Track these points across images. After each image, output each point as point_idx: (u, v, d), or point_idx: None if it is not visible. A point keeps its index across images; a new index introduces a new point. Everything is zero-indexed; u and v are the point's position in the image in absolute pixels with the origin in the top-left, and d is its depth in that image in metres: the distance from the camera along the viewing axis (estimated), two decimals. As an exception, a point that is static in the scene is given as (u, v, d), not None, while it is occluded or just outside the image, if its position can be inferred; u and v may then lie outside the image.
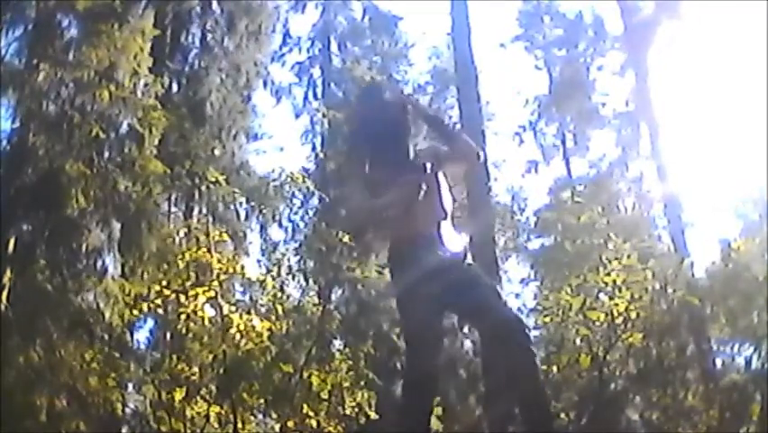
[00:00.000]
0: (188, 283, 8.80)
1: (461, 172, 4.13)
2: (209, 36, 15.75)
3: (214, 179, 10.96)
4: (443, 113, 22.07)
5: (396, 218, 3.74)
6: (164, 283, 8.87)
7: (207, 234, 9.59)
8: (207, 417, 8.75)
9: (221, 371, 8.57)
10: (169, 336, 10.26)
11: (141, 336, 11.94)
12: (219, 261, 9.09)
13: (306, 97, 21.72)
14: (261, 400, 8.87)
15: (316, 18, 22.31)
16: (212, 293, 8.75)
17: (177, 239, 10.40)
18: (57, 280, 9.49)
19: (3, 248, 9.42)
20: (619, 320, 8.85)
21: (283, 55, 21.86)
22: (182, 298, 8.73)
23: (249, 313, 8.96)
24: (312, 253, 12.08)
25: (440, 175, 3.88)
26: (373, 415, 9.32)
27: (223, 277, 9.04)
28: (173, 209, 13.58)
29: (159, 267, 9.55)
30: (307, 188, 11.54)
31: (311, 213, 18.92)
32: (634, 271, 8.96)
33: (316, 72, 22.09)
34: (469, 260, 3.80)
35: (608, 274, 8.87)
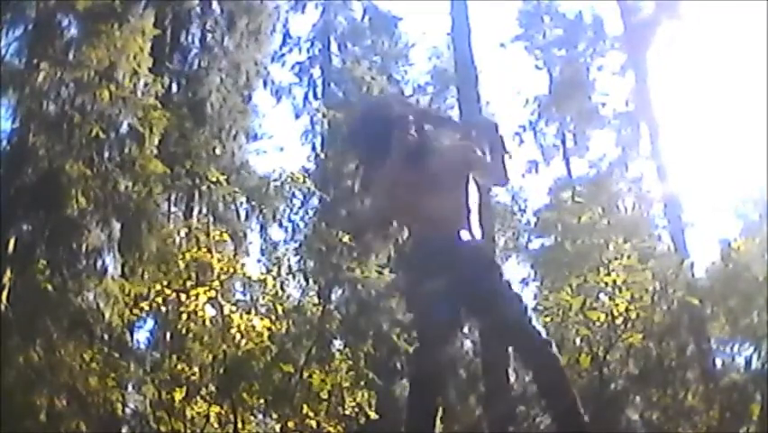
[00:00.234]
0: (189, 283, 8.79)
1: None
2: (209, 36, 15.75)
3: (214, 179, 10.96)
4: (444, 113, 22.09)
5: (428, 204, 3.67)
6: (164, 283, 8.87)
7: (208, 234, 9.59)
8: (207, 417, 8.75)
9: (221, 371, 8.57)
10: (169, 336, 10.26)
11: (141, 336, 11.95)
12: (219, 261, 9.09)
13: (306, 97, 21.73)
14: (261, 400, 8.87)
15: (316, 18, 22.33)
16: (212, 293, 8.75)
17: (177, 239, 10.40)
18: (57, 280, 9.48)
19: (3, 248, 9.42)
20: (619, 320, 8.85)
21: (283, 55, 21.87)
22: (182, 297, 8.73)
23: (249, 313, 8.96)
24: (312, 253, 12.09)
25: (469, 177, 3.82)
26: (373, 415, 9.31)
27: (223, 277, 9.04)
28: (173, 209, 13.57)
29: (159, 267, 9.55)
30: (308, 188, 11.54)
31: (311, 213, 18.94)
32: (634, 271, 8.96)
33: (316, 72, 22.10)
34: (495, 260, 3.76)
35: (608, 274, 8.87)
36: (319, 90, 21.92)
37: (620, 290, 8.83)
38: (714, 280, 11.09)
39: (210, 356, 8.74)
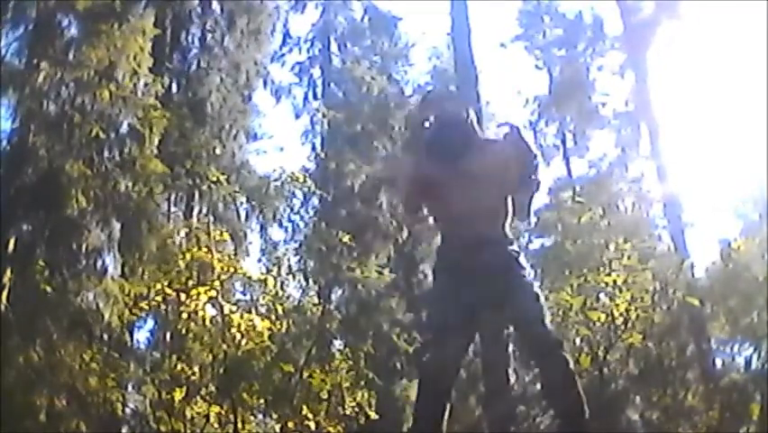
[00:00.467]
0: (189, 283, 8.79)
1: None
2: (209, 36, 15.75)
3: (214, 179, 10.96)
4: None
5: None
6: (165, 283, 8.87)
7: (208, 234, 9.59)
8: (207, 417, 8.75)
9: (221, 371, 8.57)
10: (169, 336, 10.25)
11: (141, 336, 11.95)
12: (219, 261, 9.09)
13: (306, 97, 21.73)
14: (261, 400, 8.87)
15: (316, 18, 22.33)
16: (213, 293, 8.75)
17: (177, 239, 10.39)
18: (57, 280, 9.48)
19: (3, 248, 9.41)
20: (619, 320, 8.85)
21: (283, 55, 21.87)
22: (183, 297, 8.73)
23: (249, 313, 8.96)
24: (312, 253, 12.08)
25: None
26: (373, 415, 9.31)
27: (223, 277, 9.04)
28: (173, 209, 13.57)
29: (159, 267, 9.55)
30: (308, 188, 11.53)
31: (311, 213, 18.94)
32: (634, 271, 8.96)
33: (316, 72, 22.10)
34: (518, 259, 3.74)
35: (609, 275, 8.87)
36: (319, 90, 21.93)
37: (620, 291, 8.83)
38: (714, 281, 11.10)
39: (210, 356, 8.73)
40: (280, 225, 17.67)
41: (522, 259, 3.71)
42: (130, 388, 9.83)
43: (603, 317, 8.70)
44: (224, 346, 8.56)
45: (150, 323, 11.46)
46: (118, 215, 10.29)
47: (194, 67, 15.42)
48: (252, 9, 16.38)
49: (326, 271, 10.78)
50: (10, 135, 10.20)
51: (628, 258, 9.00)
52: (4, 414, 8.17)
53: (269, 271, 9.94)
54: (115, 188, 10.24)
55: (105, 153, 10.45)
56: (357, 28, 22.37)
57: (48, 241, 9.82)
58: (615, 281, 8.83)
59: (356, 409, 9.21)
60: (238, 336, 8.67)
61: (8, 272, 9.31)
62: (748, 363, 10.60)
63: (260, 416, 9.67)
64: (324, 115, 20.33)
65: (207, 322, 8.80)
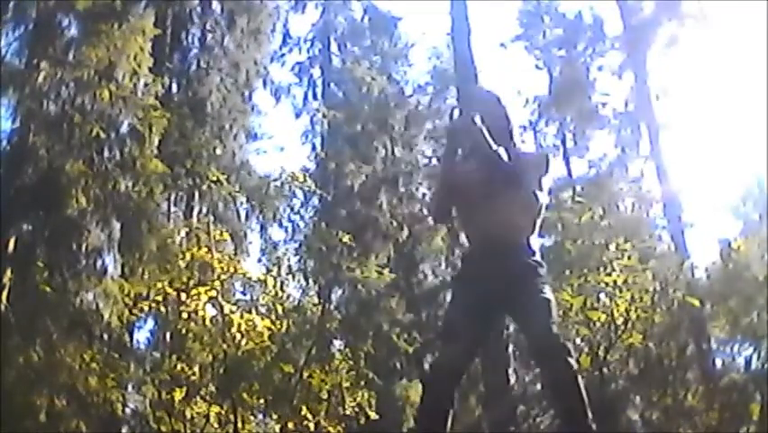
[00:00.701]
0: (189, 283, 8.79)
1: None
2: (209, 36, 15.75)
3: (214, 179, 10.95)
4: (444, 113, 22.08)
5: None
6: (165, 283, 8.87)
7: (208, 234, 9.59)
8: (207, 417, 8.75)
9: (221, 371, 8.56)
10: (169, 336, 10.25)
11: (141, 336, 11.96)
12: (219, 261, 9.09)
13: (305, 97, 21.74)
14: (261, 400, 8.87)
15: (316, 18, 22.34)
16: (213, 293, 8.75)
17: (177, 239, 10.39)
18: (57, 280, 9.48)
19: (3, 248, 9.41)
20: (620, 320, 8.84)
21: (283, 55, 21.88)
22: (183, 297, 8.73)
23: (249, 313, 8.96)
24: (312, 253, 12.06)
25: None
26: (373, 415, 9.31)
27: (223, 277, 9.03)
28: (173, 209, 13.57)
29: (159, 267, 9.55)
30: (308, 187, 11.52)
31: (311, 213, 18.95)
32: (634, 271, 8.95)
33: (316, 72, 22.10)
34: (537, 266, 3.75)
35: (609, 275, 8.86)
36: (319, 90, 21.93)
37: (620, 291, 8.83)
38: (714, 281, 11.10)
39: (210, 356, 8.73)
40: (280, 225, 17.70)
41: (542, 271, 3.71)
42: (130, 388, 9.83)
43: (603, 317, 8.70)
44: (224, 346, 8.56)
45: (150, 323, 11.48)
46: (118, 215, 10.29)
47: (194, 67, 15.43)
48: (252, 9, 16.38)
49: (326, 271, 10.76)
50: (10, 135, 10.20)
51: (628, 258, 9.00)
52: (4, 414, 8.17)
53: (269, 271, 9.93)
54: (115, 188, 10.23)
55: (105, 153, 10.44)
56: (357, 28, 22.37)
57: (48, 241, 9.82)
58: (615, 281, 8.83)
59: (356, 409, 9.21)
60: (238, 336, 8.66)
61: (8, 272, 9.31)
62: (748, 363, 10.60)
63: (260, 416, 9.67)
64: (324, 115, 20.33)
65: (207, 322, 8.80)
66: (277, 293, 9.37)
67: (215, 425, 8.81)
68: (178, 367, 8.63)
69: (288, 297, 9.85)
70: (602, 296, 9.05)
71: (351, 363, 9.39)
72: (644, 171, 18.73)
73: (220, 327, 8.73)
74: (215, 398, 8.73)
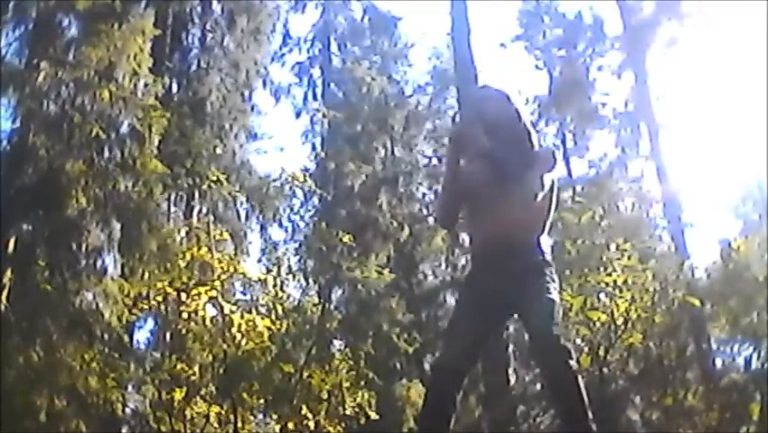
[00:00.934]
0: (190, 283, 8.79)
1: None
2: (209, 36, 15.76)
3: (215, 179, 10.95)
4: (444, 113, 22.09)
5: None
6: (165, 283, 8.86)
7: (208, 234, 9.59)
8: (207, 417, 8.75)
9: (221, 371, 8.56)
10: (169, 336, 10.25)
11: (141, 336, 11.96)
12: (219, 260, 9.09)
13: (305, 97, 21.75)
14: (261, 400, 8.87)
15: (316, 18, 22.35)
16: (213, 293, 8.75)
17: (177, 239, 10.39)
18: (57, 280, 9.48)
19: (3, 248, 9.41)
20: (620, 321, 8.84)
21: (283, 55, 21.89)
22: (183, 297, 8.73)
23: (249, 313, 8.96)
24: (312, 253, 12.07)
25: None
26: (373, 415, 9.31)
27: (223, 277, 9.03)
28: (173, 209, 13.57)
29: (159, 267, 9.54)
30: (308, 187, 11.53)
31: (311, 213, 18.96)
32: (634, 271, 8.95)
33: (316, 72, 22.11)
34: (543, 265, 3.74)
35: (609, 275, 8.86)
36: (319, 90, 21.94)
37: (620, 291, 8.82)
38: (714, 281, 11.09)
39: (210, 356, 8.73)
40: (280, 225, 17.71)
41: (550, 270, 3.68)
42: (130, 388, 9.83)
43: (603, 317, 8.70)
44: (224, 346, 8.56)
45: (150, 323, 11.48)
46: (118, 215, 10.28)
47: (194, 67, 15.43)
48: (252, 9, 16.39)
49: (326, 271, 10.77)
50: (10, 135, 10.20)
51: (628, 258, 9.00)
52: (4, 414, 8.17)
53: (269, 271, 9.94)
54: (115, 188, 10.23)
55: (105, 153, 10.44)
56: (357, 28, 22.38)
57: (48, 241, 9.81)
58: (615, 281, 8.83)
59: (356, 409, 9.20)
60: (238, 336, 8.66)
61: (8, 272, 9.31)
62: (748, 363, 10.60)
63: (260, 416, 9.68)
64: (324, 115, 20.34)
65: (207, 322, 8.80)
66: (277, 293, 9.37)
67: (215, 425, 8.80)
68: (178, 367, 8.63)
69: (288, 297, 9.85)
70: (602, 296, 9.05)
71: (351, 363, 9.39)
72: (644, 171, 18.75)
73: (220, 327, 8.73)
74: (215, 398, 8.73)
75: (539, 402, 12.39)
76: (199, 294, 8.71)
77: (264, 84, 18.52)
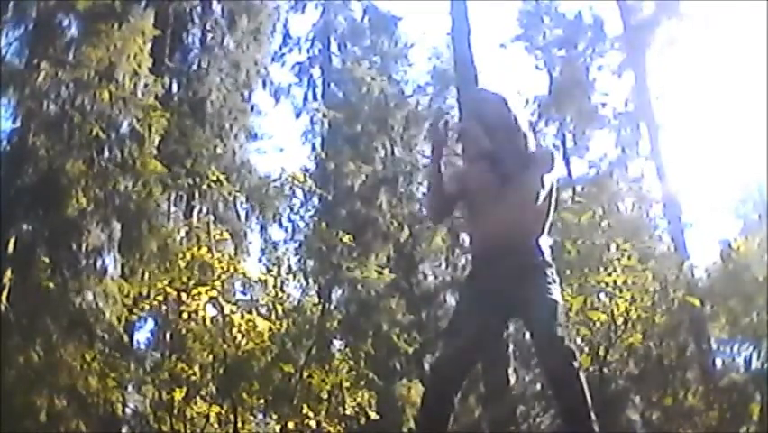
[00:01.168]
0: (190, 283, 8.79)
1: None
2: (209, 36, 15.76)
3: (214, 179, 10.96)
4: (444, 113, 22.08)
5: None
6: (165, 283, 8.87)
7: (208, 234, 9.59)
8: (207, 417, 8.75)
9: (221, 371, 8.57)
10: (169, 336, 10.26)
11: (141, 336, 11.96)
12: (219, 260, 9.09)
13: (305, 97, 21.75)
14: (261, 400, 8.87)
15: (316, 18, 22.35)
16: (213, 293, 8.75)
17: (177, 239, 10.39)
18: (57, 280, 9.48)
19: (3, 248, 9.41)
20: (620, 320, 8.84)
21: (283, 55, 21.89)
22: (183, 297, 8.73)
23: (249, 313, 8.96)
24: (312, 253, 12.08)
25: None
26: (373, 415, 9.31)
27: (223, 277, 9.04)
28: (173, 209, 13.58)
29: (159, 267, 9.55)
30: (308, 187, 11.53)
31: (311, 213, 18.95)
32: (634, 271, 8.95)
33: (316, 72, 22.11)
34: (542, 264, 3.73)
35: (609, 275, 8.86)
36: (319, 90, 21.94)
37: (620, 291, 8.83)
38: (714, 281, 11.09)
39: (210, 356, 8.73)
40: (280, 225, 17.71)
41: (550, 271, 3.68)
42: (130, 388, 9.83)
43: (603, 317, 8.70)
44: (225, 346, 8.56)
45: (151, 323, 11.49)
46: (118, 215, 10.29)
47: (194, 67, 15.43)
48: (252, 9, 16.39)
49: (326, 271, 10.78)
50: (10, 135, 10.19)
51: (628, 258, 9.00)
52: (4, 414, 8.17)
53: (269, 271, 9.94)
54: (115, 188, 10.23)
55: (105, 153, 10.44)
56: (357, 28, 22.38)
57: (48, 241, 9.81)
58: (615, 282, 8.83)
59: (356, 409, 9.21)
60: (238, 336, 8.67)
61: (8, 272, 9.31)
62: (748, 363, 10.59)
63: (260, 416, 9.68)
64: (324, 115, 20.34)
65: (208, 322, 8.80)
66: (277, 293, 9.38)
67: (215, 425, 8.81)
68: (179, 367, 8.64)
69: (288, 297, 9.86)
70: (602, 296, 9.05)
71: (351, 363, 9.40)
72: (644, 171, 18.75)
73: (220, 327, 8.73)
74: (215, 398, 8.74)
75: (539, 402, 12.39)
76: (199, 294, 8.71)
77: (264, 84, 18.51)
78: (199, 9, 15.81)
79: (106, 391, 8.75)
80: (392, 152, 20.91)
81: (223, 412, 8.73)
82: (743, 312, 10.40)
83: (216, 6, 16.12)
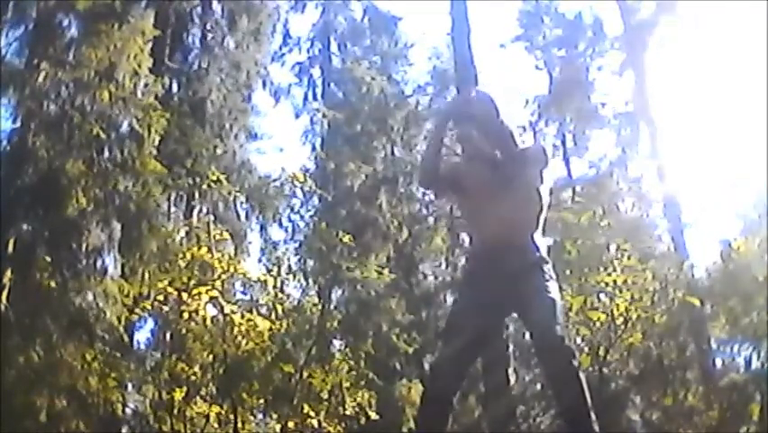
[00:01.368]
0: (190, 283, 8.79)
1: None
2: (209, 36, 15.76)
3: (214, 179, 10.96)
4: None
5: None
6: (165, 283, 8.87)
7: (208, 234, 9.59)
8: (207, 417, 8.75)
9: (221, 371, 8.57)
10: (169, 336, 10.26)
11: (142, 336, 11.95)
12: (220, 260, 9.09)
13: (305, 97, 21.76)
14: (261, 400, 8.87)
15: (316, 18, 22.36)
16: (213, 293, 8.75)
17: (177, 239, 10.39)
18: (57, 279, 9.48)
19: (3, 248, 9.41)
20: (620, 320, 8.84)
21: (283, 55, 21.89)
22: (183, 297, 8.73)
23: (249, 313, 8.96)
24: (312, 253, 12.07)
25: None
26: (373, 415, 9.32)
27: (223, 277, 9.04)
28: (173, 209, 13.58)
29: (159, 267, 9.55)
30: (308, 187, 11.53)
31: (311, 213, 18.95)
32: (634, 271, 8.95)
33: (316, 72, 22.12)
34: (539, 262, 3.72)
35: (609, 275, 8.86)
36: (319, 90, 21.95)
37: (620, 291, 8.83)
38: (714, 281, 11.08)
39: (210, 356, 8.73)
40: (280, 225, 17.71)
41: (547, 268, 3.67)
42: (130, 388, 9.83)
43: (603, 317, 8.70)
44: (225, 346, 8.56)
45: (151, 323, 11.48)
46: (118, 215, 10.29)
47: (194, 67, 15.43)
48: (252, 9, 16.39)
49: (326, 271, 10.76)
50: (10, 135, 10.19)
51: (628, 258, 9.00)
52: (4, 414, 8.17)
53: (269, 271, 9.94)
54: (115, 188, 10.23)
55: (105, 153, 10.44)
56: (357, 28, 22.38)
57: (48, 241, 9.81)
58: (615, 281, 8.83)
59: (356, 409, 9.21)
60: (238, 336, 8.67)
61: (8, 272, 9.31)
62: (748, 363, 10.59)
63: (260, 416, 9.68)
64: (324, 115, 20.34)
65: (208, 322, 8.80)
66: (277, 293, 9.38)
67: (215, 425, 8.81)
68: (179, 367, 8.64)
69: (288, 297, 9.86)
70: (602, 296, 9.05)
71: (351, 363, 9.40)
72: (644, 171, 18.76)
73: (220, 327, 8.73)
74: (215, 398, 8.74)
75: (539, 402, 12.39)
76: (199, 294, 8.71)
77: (264, 84, 18.52)
78: (199, 9, 15.81)
79: (106, 391, 8.75)
80: (392, 152, 20.91)
81: (223, 412, 8.74)
82: (743, 312, 10.39)
83: (216, 6, 16.13)
